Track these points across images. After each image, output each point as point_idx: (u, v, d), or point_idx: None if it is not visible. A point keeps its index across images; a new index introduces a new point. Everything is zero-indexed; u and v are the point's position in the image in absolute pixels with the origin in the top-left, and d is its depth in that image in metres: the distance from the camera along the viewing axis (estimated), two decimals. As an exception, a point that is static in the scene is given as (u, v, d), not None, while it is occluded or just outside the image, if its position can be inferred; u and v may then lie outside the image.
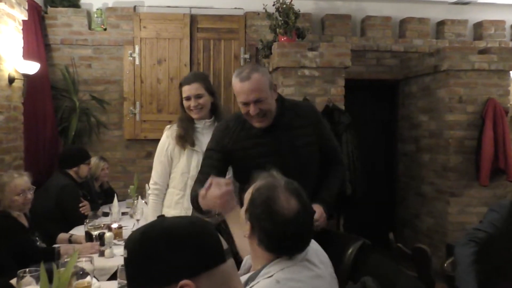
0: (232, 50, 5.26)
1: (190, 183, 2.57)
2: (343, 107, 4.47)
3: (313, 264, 1.48)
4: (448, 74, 4.59)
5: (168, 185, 2.80)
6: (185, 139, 2.70)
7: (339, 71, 4.49)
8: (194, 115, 2.72)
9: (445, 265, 2.51)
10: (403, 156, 5.57)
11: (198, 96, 2.68)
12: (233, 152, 2.27)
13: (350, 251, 1.98)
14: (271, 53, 4.71)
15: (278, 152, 2.23)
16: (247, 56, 5.25)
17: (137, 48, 5.11)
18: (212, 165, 2.27)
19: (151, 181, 2.80)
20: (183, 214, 2.63)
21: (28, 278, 1.71)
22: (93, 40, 5.16)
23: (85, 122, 5.07)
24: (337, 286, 1.56)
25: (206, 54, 5.22)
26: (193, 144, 2.70)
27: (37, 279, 1.72)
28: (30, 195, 2.92)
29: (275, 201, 1.43)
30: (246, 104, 2.13)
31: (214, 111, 2.78)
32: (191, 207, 2.37)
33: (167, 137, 2.77)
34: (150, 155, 5.11)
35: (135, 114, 5.10)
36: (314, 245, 1.55)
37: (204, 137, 2.69)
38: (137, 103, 5.10)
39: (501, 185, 4.60)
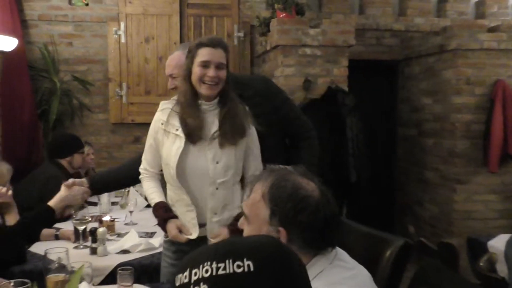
0: (225, 27, 4.91)
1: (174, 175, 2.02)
2: (346, 89, 4.20)
3: (346, 262, 1.26)
4: (456, 54, 4.34)
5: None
6: (198, 130, 1.99)
7: (343, 50, 4.21)
8: (205, 91, 1.98)
9: (481, 264, 2.27)
10: (403, 141, 5.34)
11: (219, 66, 1.97)
12: None
13: (389, 252, 1.71)
14: (268, 31, 4.39)
15: None
16: (241, 34, 4.91)
17: (122, 25, 4.72)
18: None
19: (141, 166, 2.19)
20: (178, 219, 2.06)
21: (12, 292, 1.40)
22: (74, 16, 4.75)
23: (66, 104, 4.67)
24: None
25: (197, 32, 4.87)
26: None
27: (24, 293, 1.41)
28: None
29: (301, 187, 1.20)
30: None
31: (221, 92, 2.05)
32: (184, 211, 2.04)
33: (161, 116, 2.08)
34: (138, 140, 4.78)
35: (121, 96, 4.73)
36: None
37: (208, 122, 2.02)
38: (124, 84, 4.73)
39: (509, 172, 4.41)
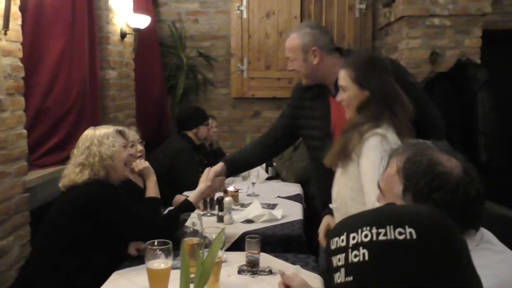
0: (346, 0, 4.79)
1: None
2: (478, 61, 3.89)
3: (494, 245, 1.16)
4: None
5: None
6: None
7: (476, 19, 3.88)
8: None
9: None
10: (542, 119, 4.83)
11: (343, 89, 1.84)
12: None
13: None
14: (393, 1, 4.19)
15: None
16: (363, 6, 4.76)
17: (244, 0, 4.81)
18: None
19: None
20: None
21: (157, 252, 1.52)
22: (200, -7, 4.96)
23: (192, 80, 4.93)
24: None
25: (318, 6, 4.81)
26: None
27: (166, 253, 1.53)
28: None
29: (439, 163, 1.12)
30: None
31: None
32: None
33: None
34: (258, 114, 4.89)
35: (242, 71, 4.86)
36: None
37: None
38: (245, 60, 4.85)
39: None
